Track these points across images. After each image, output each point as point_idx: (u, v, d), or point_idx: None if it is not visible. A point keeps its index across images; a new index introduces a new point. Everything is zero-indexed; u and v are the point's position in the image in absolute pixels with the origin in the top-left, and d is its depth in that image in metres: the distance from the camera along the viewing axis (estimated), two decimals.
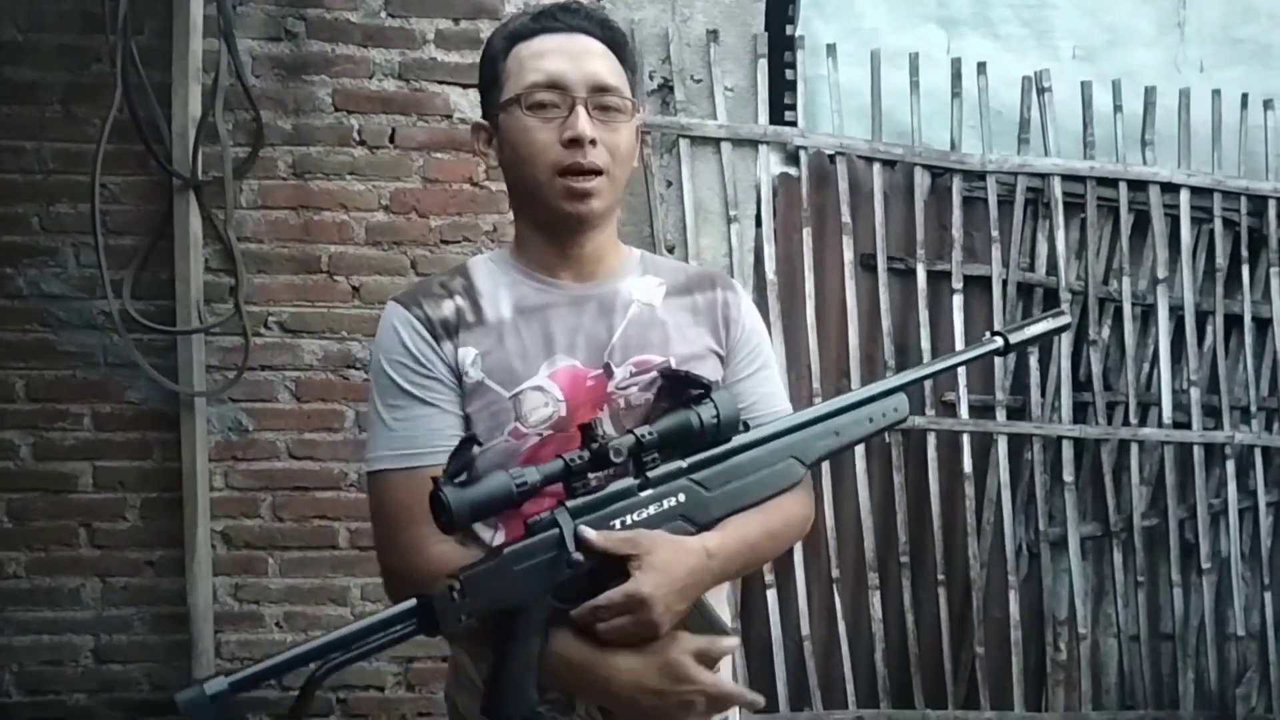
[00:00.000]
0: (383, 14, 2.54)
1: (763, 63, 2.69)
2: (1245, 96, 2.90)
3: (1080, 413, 2.87)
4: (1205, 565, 2.89)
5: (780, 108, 2.75)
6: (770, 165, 2.72)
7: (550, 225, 1.13)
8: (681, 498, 1.04)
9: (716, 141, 2.68)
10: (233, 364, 2.52)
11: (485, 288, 1.15)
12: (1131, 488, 2.86)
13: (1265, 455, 2.94)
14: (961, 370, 2.72)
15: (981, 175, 2.79)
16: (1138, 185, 2.84)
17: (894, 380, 1.17)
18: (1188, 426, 2.88)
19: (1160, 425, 2.87)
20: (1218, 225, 2.88)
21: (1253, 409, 2.91)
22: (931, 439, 2.77)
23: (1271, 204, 2.89)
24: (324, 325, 2.58)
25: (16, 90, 2.45)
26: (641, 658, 1.00)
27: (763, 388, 1.22)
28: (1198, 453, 2.88)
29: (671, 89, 2.66)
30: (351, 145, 2.56)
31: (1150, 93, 2.84)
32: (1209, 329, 2.92)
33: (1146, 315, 2.90)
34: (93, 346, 2.53)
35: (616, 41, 1.15)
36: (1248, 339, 2.91)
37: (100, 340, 2.52)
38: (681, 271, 1.24)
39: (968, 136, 2.79)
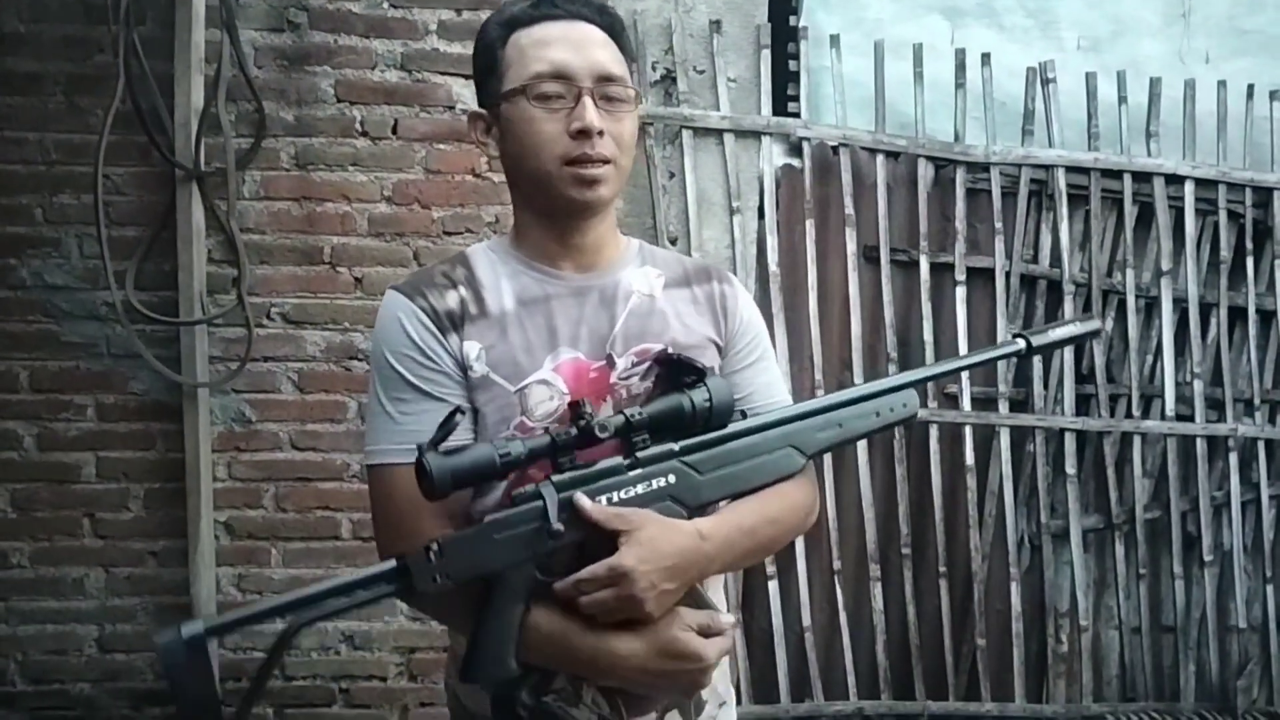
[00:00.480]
0: (385, 5, 2.54)
1: (766, 53, 2.68)
2: (1251, 88, 2.88)
3: (1083, 405, 2.86)
4: (1207, 558, 2.89)
5: (783, 99, 2.74)
6: (773, 156, 2.71)
7: (555, 214, 1.13)
8: (671, 479, 1.05)
9: (719, 133, 2.68)
10: (235, 355, 2.53)
11: (487, 279, 1.14)
12: (1134, 480, 2.86)
13: (1268, 448, 2.93)
14: None
15: (985, 167, 2.78)
16: (1142, 177, 2.83)
17: (905, 376, 1.17)
18: (1191, 419, 2.88)
19: (1163, 418, 2.86)
20: (1222, 217, 2.87)
21: (1256, 401, 2.90)
22: (934, 431, 2.77)
23: (1277, 196, 2.88)
24: (326, 316, 2.58)
25: (19, 81, 2.46)
26: (642, 639, 1.01)
27: (761, 378, 1.22)
28: (1200, 445, 2.87)
29: (674, 80, 2.65)
30: (354, 136, 2.56)
31: (1155, 84, 2.83)
32: (1213, 321, 2.91)
33: (1150, 307, 2.89)
34: (96, 337, 2.54)
35: (615, 29, 1.14)
36: (1252, 331, 2.90)
37: (103, 331, 2.53)
38: (679, 263, 1.24)
39: (972, 128, 2.78)
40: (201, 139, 2.42)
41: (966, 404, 2.78)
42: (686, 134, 2.65)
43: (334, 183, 2.56)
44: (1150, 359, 2.91)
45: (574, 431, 1.00)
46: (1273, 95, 2.90)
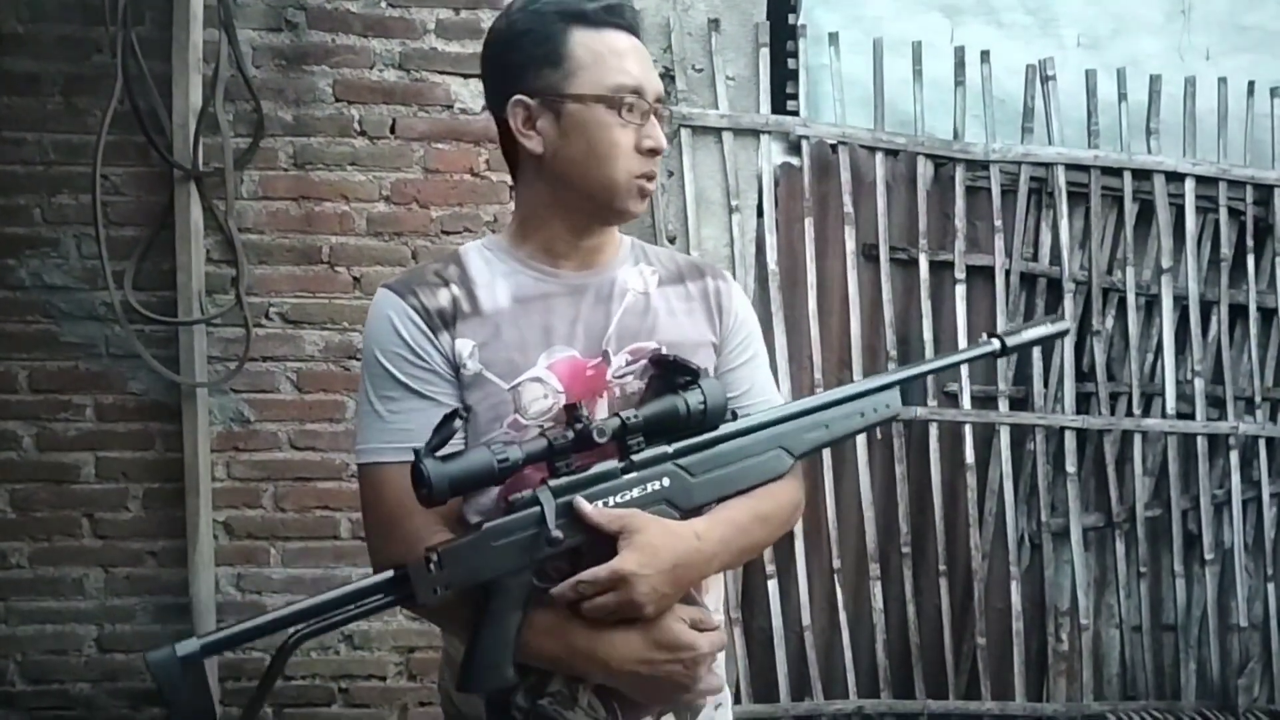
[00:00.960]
0: (383, 4, 2.53)
1: (764, 51, 2.68)
2: (1252, 84, 2.87)
3: (1083, 403, 2.86)
4: (1208, 556, 2.88)
5: (782, 97, 2.74)
6: (772, 155, 2.71)
7: (597, 218, 1.14)
8: (666, 482, 1.05)
9: (718, 131, 2.67)
10: (234, 355, 2.53)
11: (481, 277, 1.14)
12: (1134, 478, 2.85)
13: (1269, 446, 2.92)
14: None
15: (985, 164, 2.78)
16: (1142, 174, 2.82)
17: (887, 376, 1.18)
18: (1191, 417, 2.87)
19: (1164, 416, 2.86)
20: (1223, 214, 2.86)
21: (1257, 399, 2.90)
22: (934, 429, 2.76)
23: (1277, 193, 2.87)
24: (325, 316, 2.58)
25: (17, 82, 2.45)
26: (635, 632, 1.01)
27: (753, 376, 1.23)
28: (1201, 443, 2.86)
29: (673, 78, 2.65)
30: (352, 136, 2.55)
31: (1155, 81, 2.82)
32: (1213, 319, 2.90)
33: (1150, 305, 2.88)
34: (95, 337, 2.53)
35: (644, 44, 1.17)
36: (1252, 329, 2.89)
37: (102, 331, 2.53)
38: (673, 260, 1.24)
39: (971, 125, 2.78)
40: (199, 139, 2.42)
41: (966, 402, 2.78)
42: (685, 132, 2.65)
43: (332, 182, 2.56)
44: (1151, 357, 2.90)
45: (570, 435, 1.00)
46: (1273, 92, 2.89)
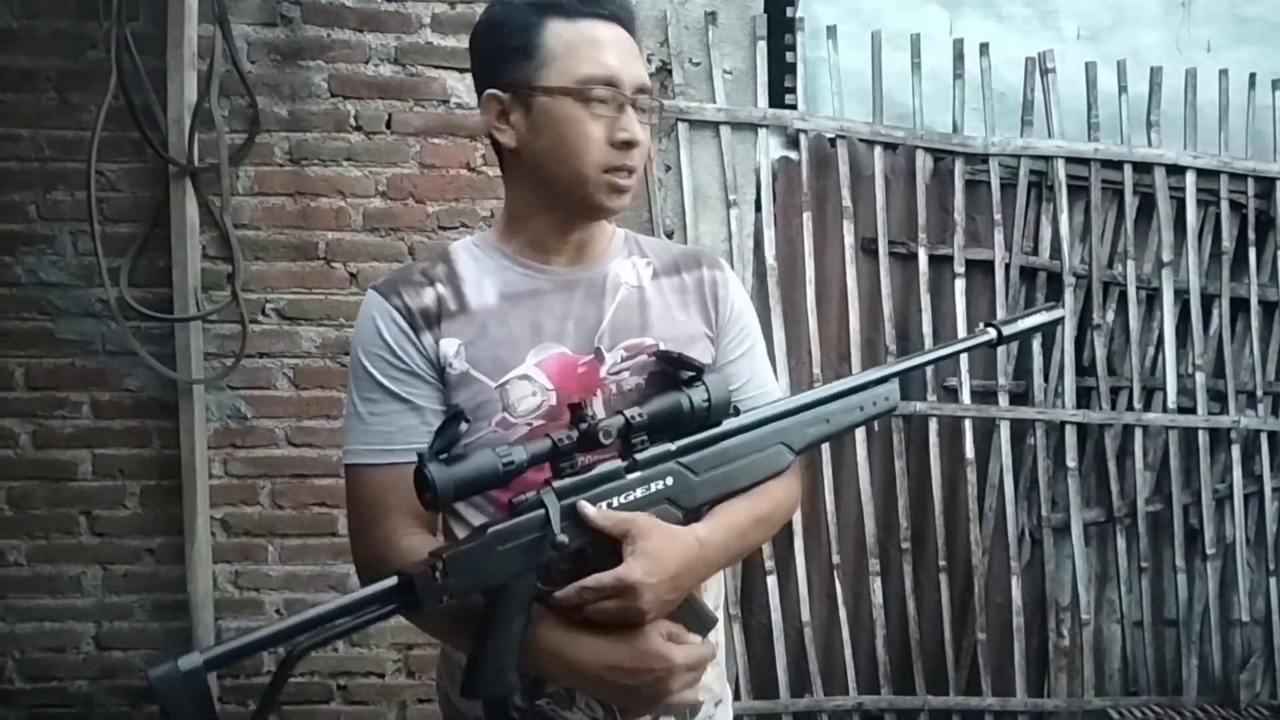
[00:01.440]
0: None
1: (762, 45, 2.67)
2: (1253, 76, 2.86)
3: (1084, 397, 2.84)
4: (1210, 551, 2.87)
5: (780, 90, 2.72)
6: (770, 149, 2.70)
7: (570, 213, 1.11)
8: (669, 481, 1.03)
9: (715, 125, 2.66)
10: (230, 351, 2.52)
11: (469, 274, 1.13)
12: (1135, 473, 2.84)
13: (1271, 440, 2.90)
14: (963, 356, 2.69)
15: (984, 158, 2.76)
16: (1143, 167, 2.81)
17: (885, 369, 1.16)
18: (1193, 411, 2.85)
19: (1165, 410, 2.84)
20: (1224, 207, 2.85)
21: (1259, 393, 2.88)
22: (933, 424, 2.75)
23: (1279, 185, 2.85)
24: (321, 312, 2.58)
25: (12, 77, 2.45)
26: (608, 637, 0.99)
27: (752, 368, 1.21)
28: (1203, 437, 2.85)
29: (670, 72, 2.64)
30: (348, 131, 2.55)
31: (1156, 73, 2.80)
32: (1215, 313, 2.88)
33: (1151, 299, 2.87)
34: (91, 334, 2.53)
35: (637, 35, 1.12)
36: (1254, 323, 2.88)
37: (98, 328, 2.53)
38: (668, 251, 1.22)
39: (970, 119, 2.76)
40: (195, 134, 2.41)
41: (966, 397, 2.76)
42: (682, 126, 2.63)
43: (328, 178, 2.55)
44: (1152, 351, 2.89)
45: (575, 435, 0.97)
46: (1275, 84, 2.87)
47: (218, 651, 0.85)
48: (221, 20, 2.38)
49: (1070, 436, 2.80)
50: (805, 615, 2.71)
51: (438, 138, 2.56)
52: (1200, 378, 2.85)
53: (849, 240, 2.72)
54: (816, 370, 2.69)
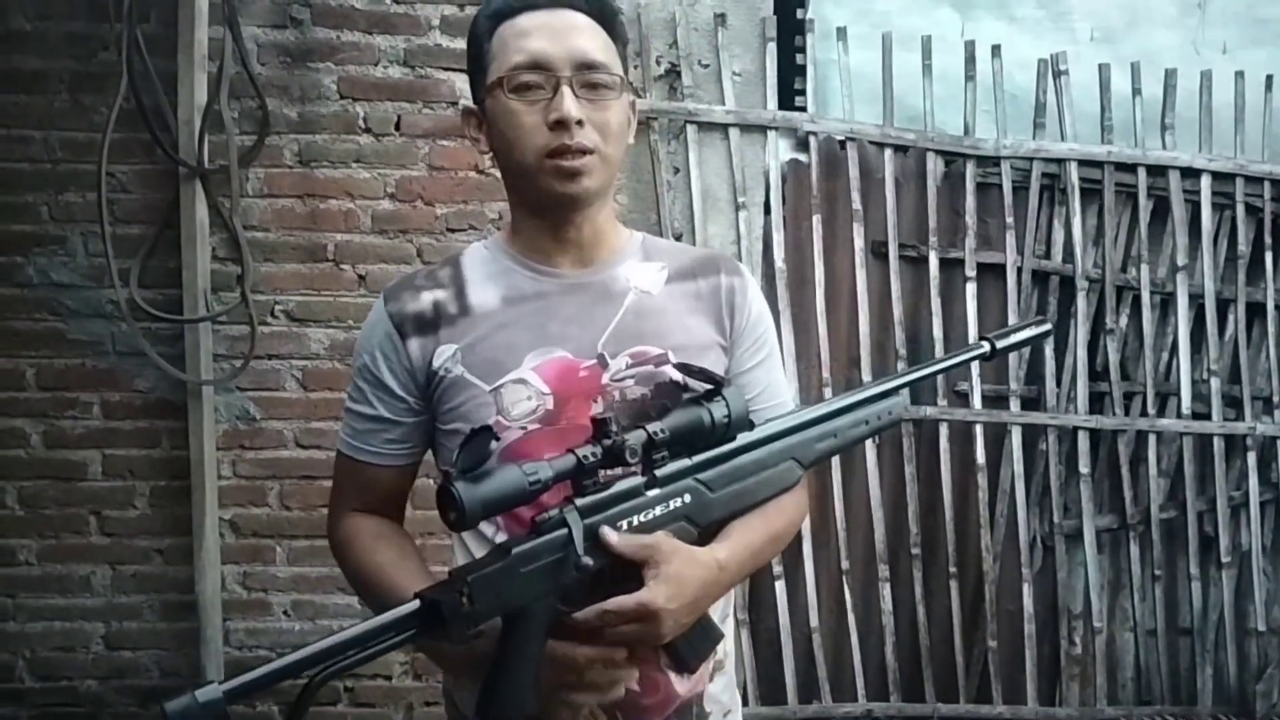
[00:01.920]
0: (387, 0, 2.52)
1: (772, 47, 2.65)
2: (1269, 78, 2.82)
3: (1097, 403, 2.81)
4: (1225, 559, 2.83)
5: (790, 93, 2.71)
6: (779, 151, 2.68)
7: (543, 208, 1.10)
8: (687, 498, 1.02)
9: (724, 127, 2.65)
10: (239, 352, 2.53)
11: (474, 278, 1.13)
12: (1149, 479, 2.80)
13: None
14: (975, 362, 2.67)
15: (996, 160, 2.74)
16: (1157, 170, 2.78)
17: (886, 383, 1.15)
18: (1208, 417, 2.82)
19: (1179, 416, 2.81)
20: (1240, 211, 2.81)
21: (1275, 399, 2.84)
22: (944, 429, 2.73)
23: None
24: (330, 314, 2.58)
25: (25, 79, 2.47)
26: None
27: (767, 378, 1.19)
28: (1218, 444, 2.81)
29: (679, 74, 2.63)
30: (357, 133, 2.55)
31: (1170, 75, 2.77)
32: (1230, 317, 2.85)
33: (1166, 304, 2.83)
34: (102, 335, 2.54)
35: (605, 14, 1.10)
36: (1270, 328, 2.84)
37: (109, 329, 2.54)
38: (685, 254, 1.20)
39: (982, 121, 2.74)
40: (205, 136, 2.42)
41: (977, 402, 2.74)
42: (691, 129, 2.62)
43: (337, 179, 2.55)
44: (1166, 356, 2.85)
45: (599, 452, 0.95)
46: None
47: (237, 683, 0.81)
48: (232, 22, 2.39)
49: (1083, 442, 2.77)
50: (814, 621, 2.69)
51: (446, 140, 2.56)
52: (1215, 383, 2.81)
53: (859, 243, 2.70)
54: (826, 374, 2.68)
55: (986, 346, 1.20)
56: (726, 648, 1.18)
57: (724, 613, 1.15)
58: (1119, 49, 2.82)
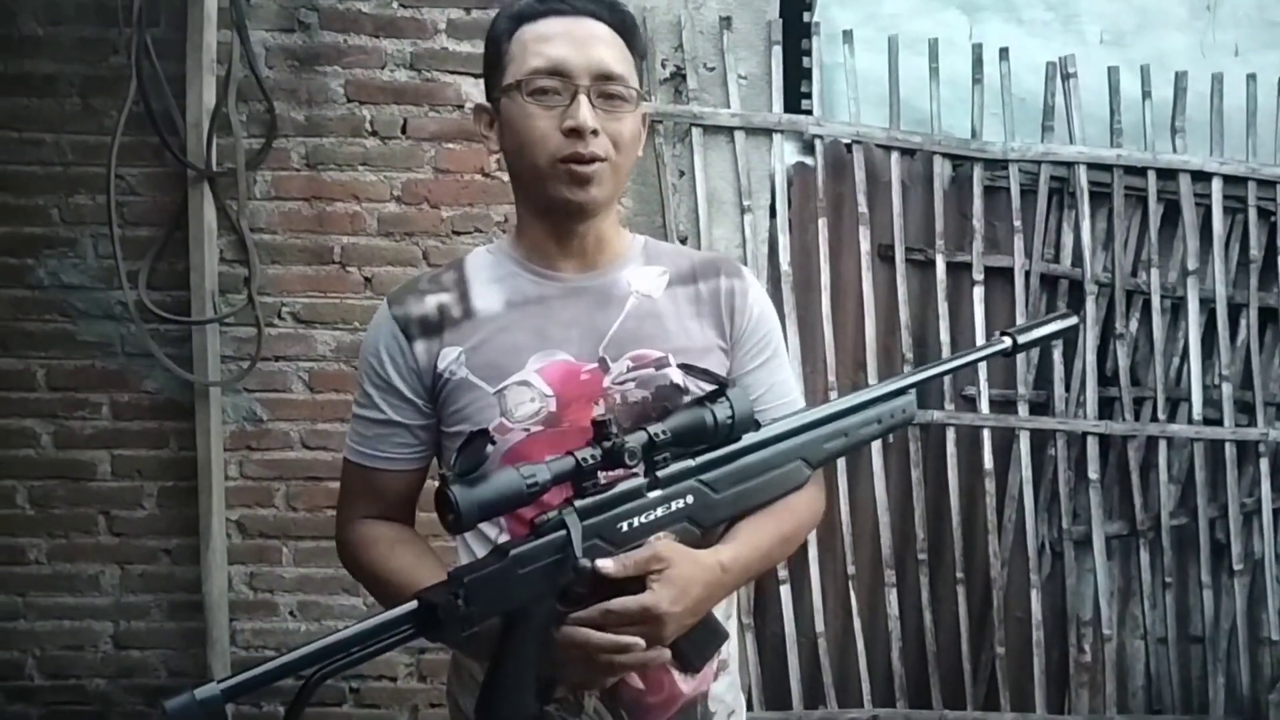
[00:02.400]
0: (394, 4, 2.54)
1: (777, 50, 2.65)
2: None
3: (1106, 408, 2.79)
4: (1237, 566, 2.80)
5: (796, 96, 2.70)
6: (785, 154, 2.68)
7: (550, 212, 1.11)
8: (690, 499, 1.02)
9: (730, 130, 2.64)
10: (247, 354, 2.54)
11: (478, 281, 1.14)
12: (1159, 486, 2.78)
13: None
14: (982, 364, 2.65)
15: (1004, 164, 2.72)
16: (1167, 174, 2.75)
17: (902, 380, 1.14)
18: (1219, 423, 2.79)
19: (1190, 422, 2.78)
20: (1252, 215, 2.78)
21: None
22: (951, 434, 2.71)
23: None
24: (336, 316, 2.59)
25: (36, 83, 2.49)
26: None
27: (771, 378, 1.19)
28: (1229, 450, 2.78)
29: (684, 77, 2.63)
30: (364, 136, 2.56)
31: (1181, 78, 2.75)
32: (1242, 322, 2.82)
33: (1176, 308, 2.81)
34: (111, 336, 2.56)
35: (625, 25, 1.11)
36: None
37: (118, 330, 2.56)
38: (686, 258, 1.21)
39: (989, 124, 2.72)
40: (213, 139, 2.44)
41: (985, 406, 2.72)
42: (696, 132, 2.62)
43: (344, 182, 2.57)
44: (1176, 361, 2.83)
45: (599, 454, 0.96)
46: None
47: (235, 681, 0.83)
48: (240, 26, 2.41)
49: (1092, 447, 2.75)
50: (820, 626, 2.68)
51: (452, 143, 2.57)
52: (1227, 389, 2.78)
53: (865, 247, 2.69)
54: (831, 378, 2.67)
55: (1008, 342, 1.18)
56: (730, 649, 1.18)
57: (726, 613, 1.15)
58: (1128, 52, 2.80)
